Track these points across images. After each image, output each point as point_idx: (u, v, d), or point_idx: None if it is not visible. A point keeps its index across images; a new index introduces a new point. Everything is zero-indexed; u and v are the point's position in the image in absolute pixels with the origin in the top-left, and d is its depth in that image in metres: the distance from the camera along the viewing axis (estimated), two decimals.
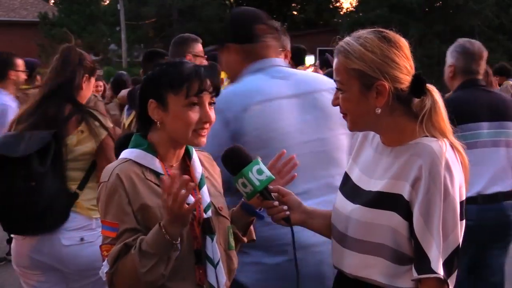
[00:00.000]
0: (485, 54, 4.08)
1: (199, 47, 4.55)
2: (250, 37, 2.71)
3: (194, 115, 2.13)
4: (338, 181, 2.29)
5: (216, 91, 2.18)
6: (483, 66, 4.08)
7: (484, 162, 3.76)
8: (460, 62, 4.02)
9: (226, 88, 2.65)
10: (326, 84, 2.75)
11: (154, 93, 2.15)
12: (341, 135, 2.69)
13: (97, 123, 3.41)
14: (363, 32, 2.04)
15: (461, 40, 4.19)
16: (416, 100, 2.02)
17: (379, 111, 1.99)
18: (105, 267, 2.07)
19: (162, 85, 2.13)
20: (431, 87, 2.04)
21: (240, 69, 2.72)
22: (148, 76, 2.20)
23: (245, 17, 2.79)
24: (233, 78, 2.78)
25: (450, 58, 4.09)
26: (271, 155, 2.32)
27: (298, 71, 2.84)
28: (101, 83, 10.14)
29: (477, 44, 4.11)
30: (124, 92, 7.42)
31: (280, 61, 2.78)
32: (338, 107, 2.54)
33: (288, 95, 2.63)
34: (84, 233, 3.34)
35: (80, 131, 3.36)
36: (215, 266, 2.16)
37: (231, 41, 2.74)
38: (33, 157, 3.17)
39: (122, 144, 2.26)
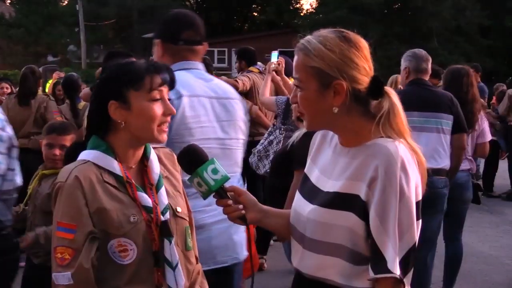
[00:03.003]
0: (430, 59, 5.21)
1: None
2: (175, 39, 3.03)
3: (158, 109, 2.13)
4: (234, 179, 2.90)
5: (172, 85, 2.19)
6: (430, 67, 5.20)
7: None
8: (413, 64, 5.12)
9: None
10: (235, 94, 3.21)
11: (114, 93, 2.12)
12: (241, 140, 3.13)
13: None
14: (324, 31, 2.04)
15: (412, 50, 5.30)
16: (374, 102, 2.03)
17: (336, 110, 1.99)
18: (61, 278, 2.03)
19: (122, 83, 2.11)
20: (389, 90, 2.05)
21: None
22: (104, 77, 2.17)
23: (177, 21, 3.11)
24: None
25: (404, 62, 5.18)
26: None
27: (215, 78, 3.26)
28: (7, 85, 9.82)
29: (424, 51, 5.25)
30: (87, 90, 7.30)
31: (201, 66, 3.11)
32: (242, 114, 3.07)
33: (209, 95, 2.99)
34: None
35: None
36: (173, 268, 2.15)
37: (160, 38, 3.07)
38: None
39: (74, 151, 2.23)
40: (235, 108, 3.08)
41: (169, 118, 2.17)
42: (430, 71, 5.22)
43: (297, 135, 3.91)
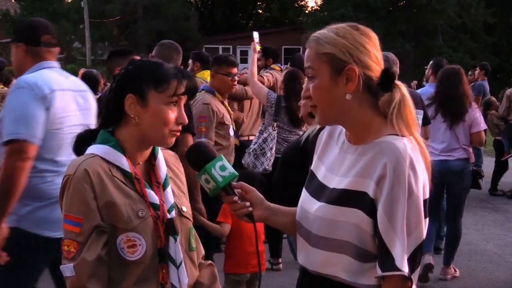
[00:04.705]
0: (398, 62, 5.49)
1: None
2: (37, 42, 3.54)
3: (173, 114, 2.14)
4: None
5: (192, 95, 2.21)
6: (397, 70, 5.43)
7: None
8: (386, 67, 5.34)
9: (28, 76, 3.44)
10: (87, 87, 3.81)
11: (133, 87, 2.13)
12: (94, 125, 3.51)
13: None
14: (334, 25, 2.08)
15: (383, 53, 5.49)
16: (384, 96, 2.04)
17: (349, 97, 2.00)
18: (67, 270, 2.05)
19: (145, 80, 2.12)
20: (399, 83, 2.07)
21: (25, 64, 3.55)
22: (128, 70, 2.17)
23: (37, 26, 3.62)
24: (18, 70, 3.61)
25: None
26: (63, 131, 3.38)
27: (70, 75, 3.77)
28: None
29: (392, 55, 5.51)
30: None
31: (57, 65, 3.63)
32: (94, 104, 3.66)
33: (71, 89, 3.59)
34: None
35: None
36: (177, 266, 2.16)
37: (23, 41, 3.55)
38: None
39: (83, 139, 2.23)
40: (90, 99, 3.72)
41: (180, 127, 2.18)
42: (398, 73, 5.63)
43: (311, 130, 3.88)
